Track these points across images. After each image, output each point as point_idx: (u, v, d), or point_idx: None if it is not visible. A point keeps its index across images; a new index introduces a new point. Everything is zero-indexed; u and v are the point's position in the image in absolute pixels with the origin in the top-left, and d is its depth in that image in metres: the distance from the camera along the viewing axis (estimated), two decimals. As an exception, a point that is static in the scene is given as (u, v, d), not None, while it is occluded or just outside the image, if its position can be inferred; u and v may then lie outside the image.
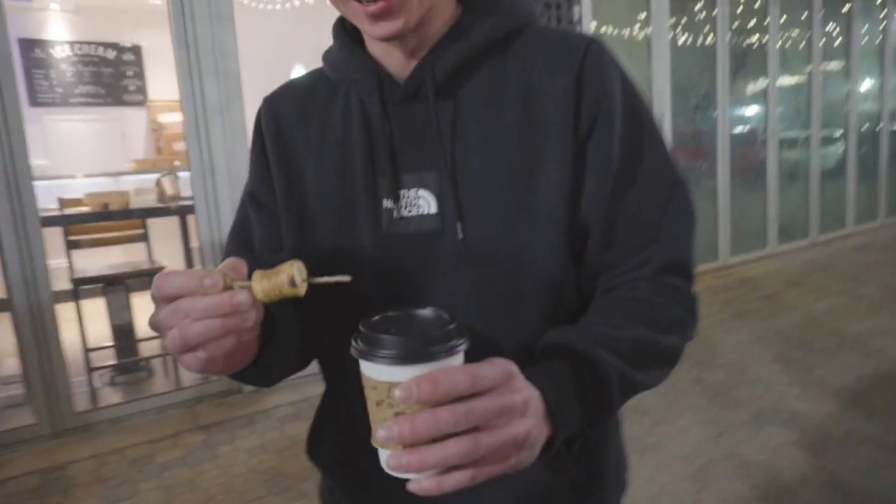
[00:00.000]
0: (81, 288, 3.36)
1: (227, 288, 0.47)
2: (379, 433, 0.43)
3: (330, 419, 0.77)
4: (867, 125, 7.06)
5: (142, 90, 6.93)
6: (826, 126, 6.59)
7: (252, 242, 0.77)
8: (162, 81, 6.66)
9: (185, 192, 3.96)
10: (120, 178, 5.65)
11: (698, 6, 5.46)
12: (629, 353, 0.59)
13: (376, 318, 0.50)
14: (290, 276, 0.48)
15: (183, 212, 3.96)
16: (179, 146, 6.13)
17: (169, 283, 0.47)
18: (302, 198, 0.72)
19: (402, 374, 0.43)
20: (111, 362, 3.59)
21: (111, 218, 3.66)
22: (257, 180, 0.76)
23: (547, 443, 0.51)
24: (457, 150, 0.65)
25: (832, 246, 6.48)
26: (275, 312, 0.63)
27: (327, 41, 0.74)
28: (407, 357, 0.44)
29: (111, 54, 6.72)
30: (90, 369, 3.40)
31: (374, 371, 0.45)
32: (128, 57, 6.81)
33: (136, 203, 3.74)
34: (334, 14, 0.67)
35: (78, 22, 6.55)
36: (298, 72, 6.13)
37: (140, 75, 6.91)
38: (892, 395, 2.97)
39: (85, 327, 3.41)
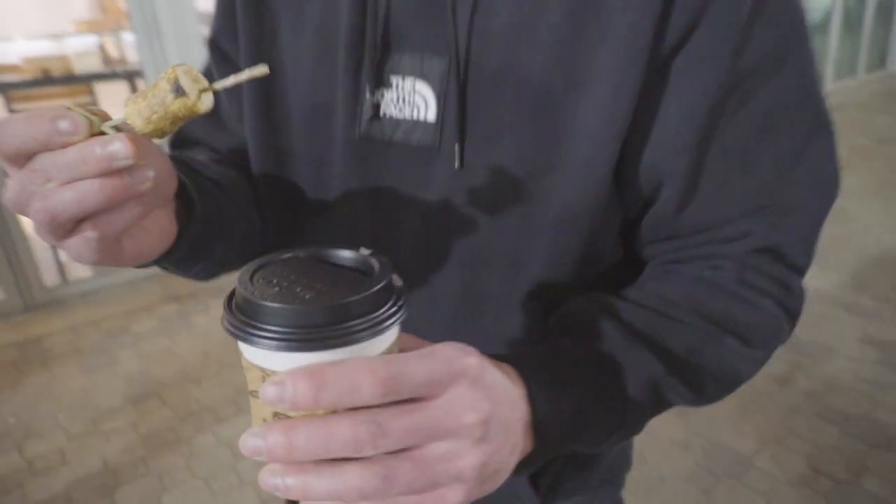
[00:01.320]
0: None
1: (98, 134, 0.33)
2: (246, 441, 0.28)
3: None
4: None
5: (75, -62, 6.22)
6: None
7: (218, 110, 0.60)
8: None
9: (133, 56, 3.69)
10: (63, 41, 5.24)
11: None
12: (678, 358, 0.44)
13: (266, 261, 0.34)
14: (174, 82, 0.32)
15: (131, 76, 3.72)
16: (124, 5, 5.64)
17: (7, 134, 0.32)
18: (272, 64, 0.53)
19: (282, 361, 0.29)
20: (76, 237, 3.53)
21: (53, 84, 3.42)
22: (222, 22, 0.58)
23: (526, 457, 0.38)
24: (476, 31, 0.45)
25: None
26: (192, 187, 0.48)
27: None
28: (288, 340, 0.28)
29: None
30: (55, 244, 3.35)
31: (245, 348, 0.30)
32: None
33: (79, 68, 3.47)
34: None
35: None
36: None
37: (70, -80, 6.16)
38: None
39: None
